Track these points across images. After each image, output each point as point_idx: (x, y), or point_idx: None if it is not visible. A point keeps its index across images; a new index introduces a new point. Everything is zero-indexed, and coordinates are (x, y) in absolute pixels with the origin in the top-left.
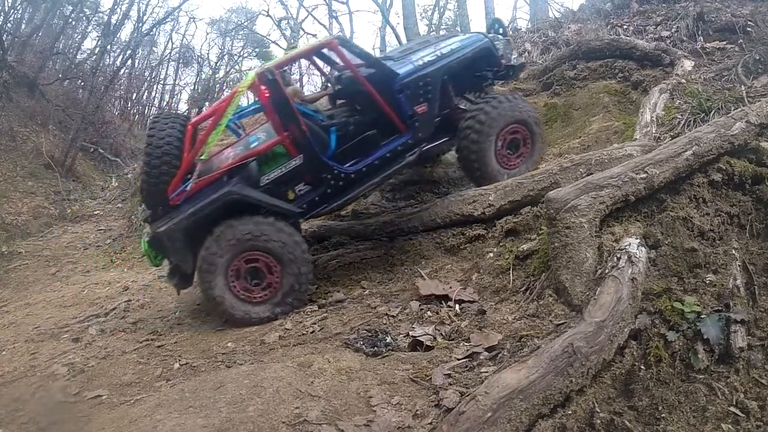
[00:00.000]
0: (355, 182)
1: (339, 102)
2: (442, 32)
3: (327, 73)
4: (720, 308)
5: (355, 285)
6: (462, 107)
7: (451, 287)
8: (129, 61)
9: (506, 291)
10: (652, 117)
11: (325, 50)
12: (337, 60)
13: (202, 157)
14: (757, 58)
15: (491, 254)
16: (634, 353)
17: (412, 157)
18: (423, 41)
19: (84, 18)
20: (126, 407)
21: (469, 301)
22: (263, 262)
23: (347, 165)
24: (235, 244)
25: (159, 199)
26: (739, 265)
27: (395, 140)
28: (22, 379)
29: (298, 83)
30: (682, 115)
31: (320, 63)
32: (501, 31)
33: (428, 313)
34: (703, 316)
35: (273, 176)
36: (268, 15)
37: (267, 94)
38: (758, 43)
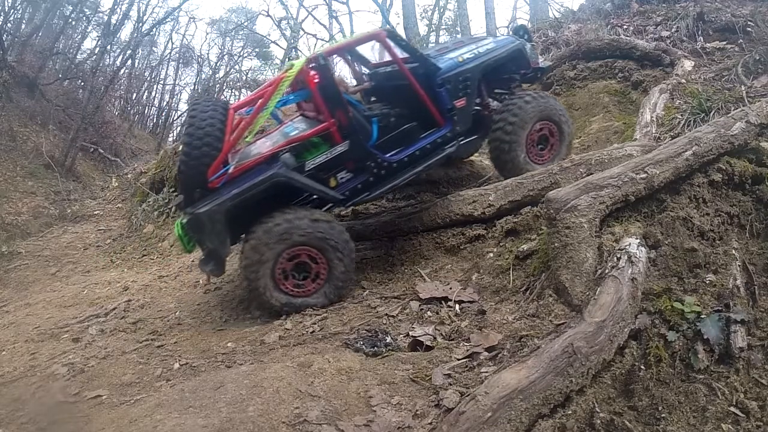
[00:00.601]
0: (397, 171)
1: (372, 99)
2: (442, 33)
3: (360, 69)
4: (720, 308)
5: (355, 285)
6: (492, 107)
7: (451, 288)
8: (129, 61)
9: (506, 291)
10: (652, 117)
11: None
12: (384, 52)
13: (248, 139)
14: (757, 58)
15: (491, 254)
16: (634, 353)
17: (451, 149)
18: (457, 41)
19: (84, 18)
20: (126, 407)
21: (469, 301)
22: (317, 267)
23: (389, 154)
24: (315, 237)
25: (197, 181)
26: (739, 265)
27: (434, 133)
28: (22, 379)
29: None
30: (682, 115)
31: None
32: (526, 36)
33: (428, 313)
34: (703, 316)
35: (318, 161)
36: (268, 15)
37: (316, 80)
38: (758, 43)
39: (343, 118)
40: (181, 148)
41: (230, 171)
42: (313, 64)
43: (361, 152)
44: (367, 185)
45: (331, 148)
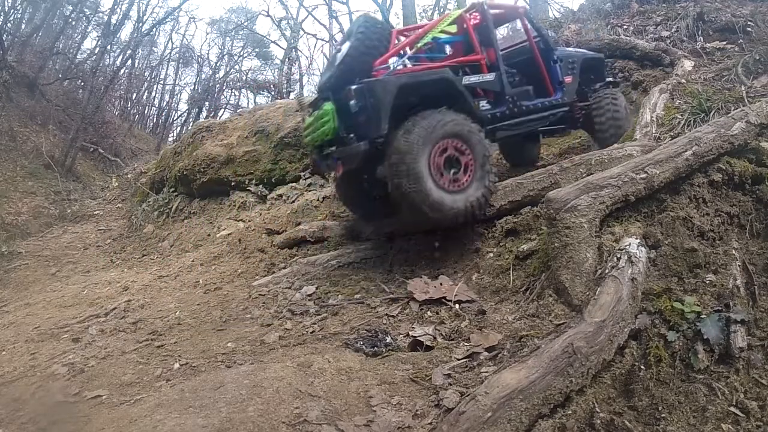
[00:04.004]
0: (523, 114)
1: None
2: None
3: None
4: (720, 308)
5: (355, 285)
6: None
7: (441, 284)
8: (129, 61)
9: (506, 291)
10: (652, 117)
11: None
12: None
13: (419, 44)
14: (757, 58)
15: (491, 254)
16: (634, 353)
17: (564, 110)
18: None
19: (84, 18)
20: (126, 407)
21: (468, 301)
22: (466, 160)
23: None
24: (466, 131)
25: (362, 69)
26: (739, 265)
27: (548, 97)
28: (22, 379)
29: (298, 83)
30: (682, 115)
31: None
32: None
33: (428, 313)
34: (703, 316)
35: (471, 81)
36: (268, 15)
37: (475, 21)
38: (758, 43)
39: (492, 56)
40: (351, 41)
41: (398, 68)
42: (476, 9)
43: (502, 86)
44: (503, 116)
45: (479, 76)
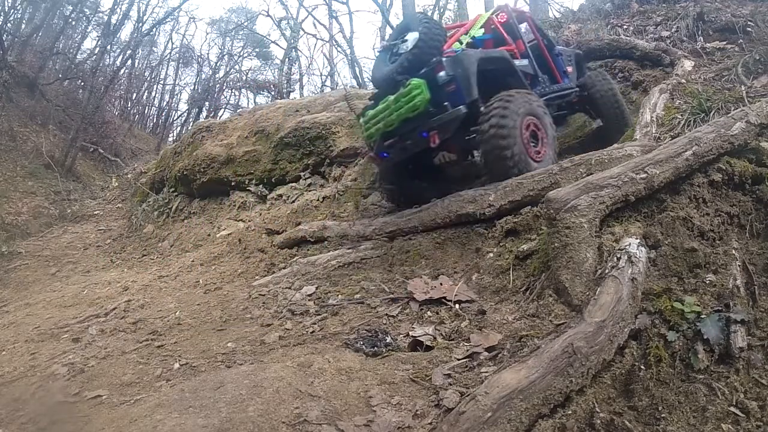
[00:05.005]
0: (552, 92)
1: None
2: None
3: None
4: (720, 308)
5: (355, 285)
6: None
7: (441, 284)
8: (129, 61)
9: (506, 291)
10: (652, 117)
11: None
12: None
13: (469, 38)
14: (757, 58)
15: (491, 254)
16: (634, 353)
17: (576, 90)
18: None
19: (84, 18)
20: (126, 407)
21: (468, 301)
22: (541, 134)
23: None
24: (539, 110)
25: (434, 53)
26: (739, 265)
27: (559, 83)
28: (22, 379)
29: (298, 83)
30: (682, 115)
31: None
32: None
33: (428, 313)
34: (703, 316)
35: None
36: (268, 15)
37: (503, 20)
38: (758, 43)
39: (521, 46)
40: (420, 31)
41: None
42: (503, 10)
43: (534, 70)
44: (541, 95)
45: (518, 60)
